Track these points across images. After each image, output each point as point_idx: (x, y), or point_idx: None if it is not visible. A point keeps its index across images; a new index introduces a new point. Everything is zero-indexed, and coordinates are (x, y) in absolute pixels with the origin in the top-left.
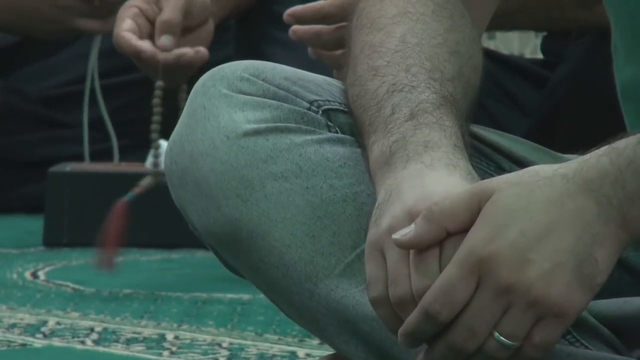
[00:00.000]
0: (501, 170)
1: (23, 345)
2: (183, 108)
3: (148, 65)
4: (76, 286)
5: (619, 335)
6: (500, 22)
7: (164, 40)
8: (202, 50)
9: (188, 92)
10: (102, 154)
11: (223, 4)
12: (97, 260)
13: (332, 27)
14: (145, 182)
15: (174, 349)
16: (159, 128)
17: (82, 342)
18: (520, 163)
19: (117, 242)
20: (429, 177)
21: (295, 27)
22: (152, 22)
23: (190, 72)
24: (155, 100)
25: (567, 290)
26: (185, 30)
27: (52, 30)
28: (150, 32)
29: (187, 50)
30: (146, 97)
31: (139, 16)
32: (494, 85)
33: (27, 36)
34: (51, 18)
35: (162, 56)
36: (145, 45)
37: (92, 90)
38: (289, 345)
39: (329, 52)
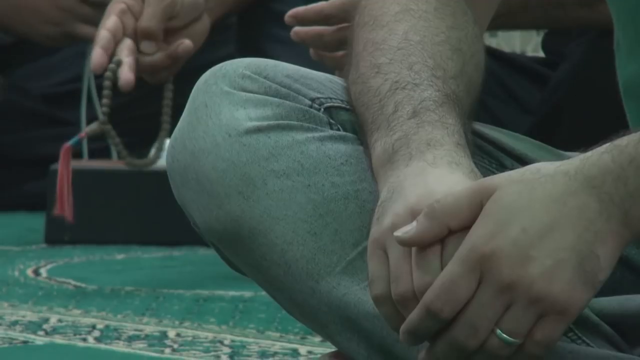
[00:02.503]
0: (503, 168)
1: (25, 342)
2: (169, 105)
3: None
4: (78, 283)
5: (620, 333)
6: (502, 22)
7: (144, 47)
8: (186, 42)
9: (175, 89)
10: (102, 151)
11: (221, 0)
12: (55, 210)
13: (334, 28)
14: (90, 128)
15: (175, 346)
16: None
17: (84, 340)
18: (522, 160)
19: (66, 188)
20: (432, 175)
21: (297, 29)
22: (138, 19)
23: (176, 69)
24: (104, 127)
25: (569, 287)
26: (174, 31)
27: (51, 34)
28: (135, 29)
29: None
30: (146, 96)
31: (125, 13)
32: (495, 83)
33: (25, 39)
34: (51, 20)
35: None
36: (97, 59)
37: (90, 90)
38: (291, 343)
39: (331, 54)
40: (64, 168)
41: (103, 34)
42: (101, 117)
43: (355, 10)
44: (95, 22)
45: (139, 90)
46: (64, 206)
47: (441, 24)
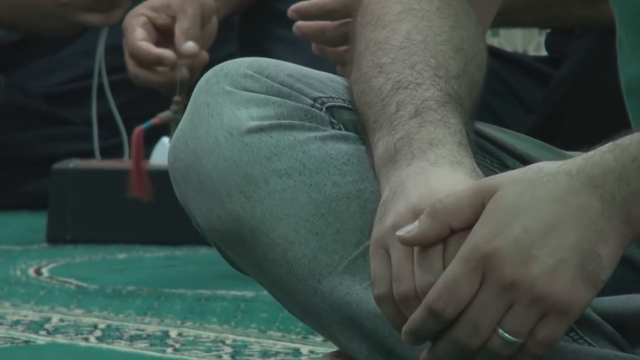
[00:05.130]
0: (505, 167)
1: (26, 342)
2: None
3: (164, 76)
4: (80, 283)
5: (622, 332)
6: (504, 20)
7: (190, 45)
8: (203, 54)
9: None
10: (107, 150)
11: (226, 0)
12: (132, 189)
13: (336, 23)
14: (165, 114)
15: (177, 345)
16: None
17: (86, 339)
18: (524, 160)
19: (141, 167)
20: (434, 174)
21: (299, 23)
22: (160, 30)
23: (193, 79)
24: (176, 115)
25: (571, 286)
26: None
27: (55, 27)
28: (157, 41)
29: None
30: (150, 94)
31: (147, 25)
32: (497, 83)
33: (31, 33)
34: (54, 15)
35: (182, 66)
36: (166, 52)
37: (99, 86)
38: (293, 342)
39: (333, 49)
40: (138, 151)
41: (145, 44)
42: (174, 106)
43: (358, 9)
44: (97, 9)
45: (141, 89)
46: (141, 187)
47: (444, 24)
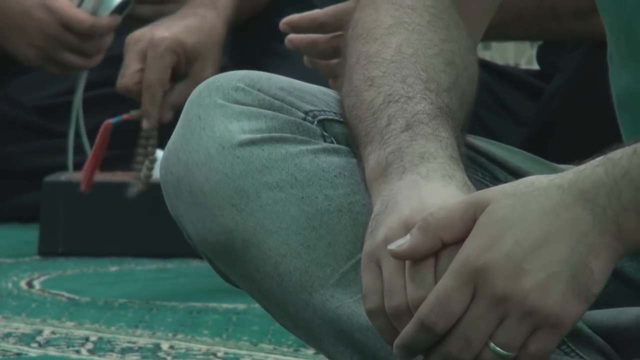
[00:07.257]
0: (496, 181)
1: (18, 354)
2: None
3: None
4: (71, 295)
5: (614, 346)
6: (496, 33)
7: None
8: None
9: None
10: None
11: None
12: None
13: (328, 36)
14: (136, 113)
15: (169, 358)
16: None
17: (77, 352)
18: (516, 173)
19: (96, 161)
20: (425, 188)
21: (291, 36)
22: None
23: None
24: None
25: (563, 300)
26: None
27: (33, 56)
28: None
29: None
30: (138, 108)
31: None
32: (489, 96)
33: (6, 54)
34: (35, 43)
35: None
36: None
37: (86, 101)
38: (284, 355)
39: (325, 62)
40: (99, 145)
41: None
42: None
43: (349, 22)
44: (80, 51)
45: (129, 103)
46: (87, 179)
47: (434, 37)
